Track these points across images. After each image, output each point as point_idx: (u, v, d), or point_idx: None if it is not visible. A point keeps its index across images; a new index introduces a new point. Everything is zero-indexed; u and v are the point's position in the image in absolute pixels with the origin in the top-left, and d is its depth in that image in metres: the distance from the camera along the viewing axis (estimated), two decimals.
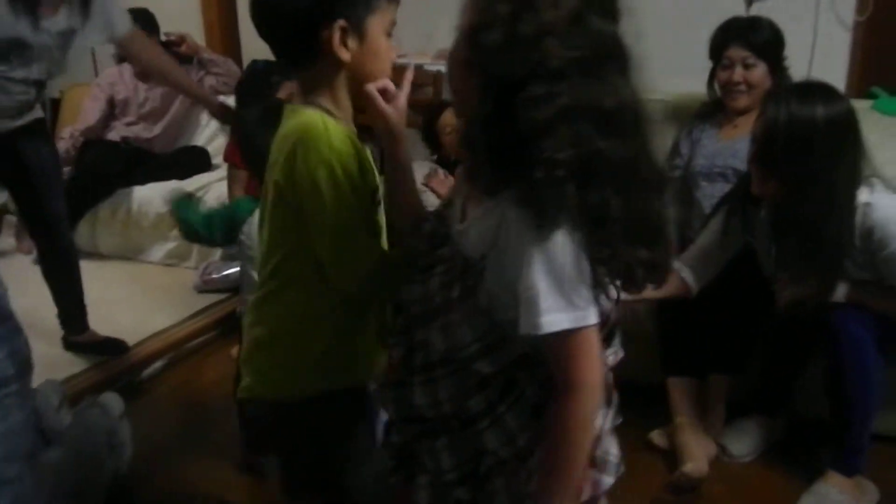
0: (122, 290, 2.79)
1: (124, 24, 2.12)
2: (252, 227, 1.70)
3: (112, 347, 2.29)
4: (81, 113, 3.22)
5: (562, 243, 0.78)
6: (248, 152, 1.81)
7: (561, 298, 0.79)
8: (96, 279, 2.56)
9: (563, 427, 0.83)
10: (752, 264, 1.77)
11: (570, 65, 0.75)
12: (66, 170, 2.86)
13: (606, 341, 0.91)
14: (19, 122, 2.03)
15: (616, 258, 0.81)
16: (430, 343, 0.91)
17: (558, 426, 0.83)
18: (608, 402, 0.94)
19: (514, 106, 0.76)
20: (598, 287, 0.81)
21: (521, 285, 0.79)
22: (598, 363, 0.83)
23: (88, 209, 3.01)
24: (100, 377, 2.19)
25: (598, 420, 0.90)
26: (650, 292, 1.76)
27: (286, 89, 2.01)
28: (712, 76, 2.17)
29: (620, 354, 0.97)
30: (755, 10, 2.33)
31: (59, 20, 1.94)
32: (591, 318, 0.81)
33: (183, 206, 1.99)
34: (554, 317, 0.79)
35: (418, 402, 0.92)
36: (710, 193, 2.15)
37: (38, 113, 2.12)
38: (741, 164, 2.07)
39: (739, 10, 2.35)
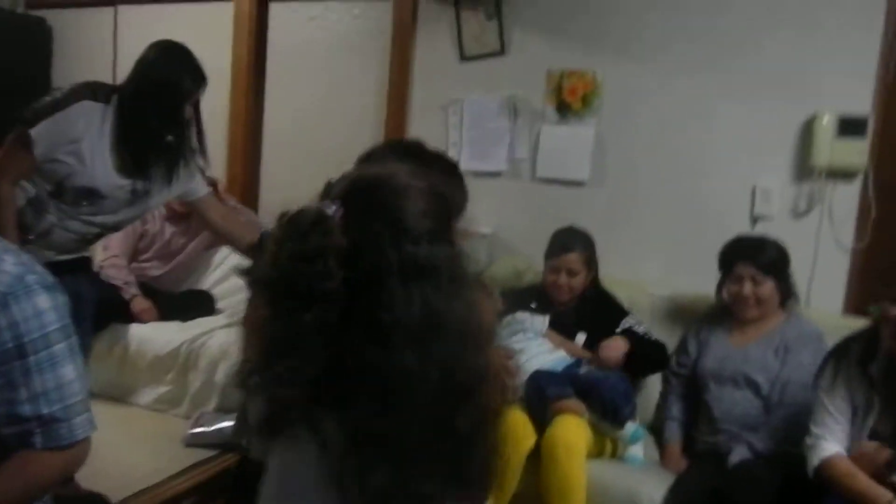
0: (106, 434, 2.63)
1: (202, 190, 2.21)
2: None
3: None
4: (113, 243, 3.05)
5: (299, 464, 0.75)
6: None
7: None
8: None
9: None
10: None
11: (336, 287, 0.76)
12: None
13: None
14: (65, 257, 2.05)
15: (389, 484, 0.72)
16: None
17: None
18: None
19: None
20: None
21: None
22: None
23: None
24: None
25: None
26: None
27: None
28: (721, 285, 2.27)
29: None
30: (759, 229, 2.49)
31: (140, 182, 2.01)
32: None
33: None
34: None
35: None
36: (719, 396, 2.19)
37: (86, 251, 2.16)
38: (753, 371, 2.14)
39: (744, 225, 2.52)
